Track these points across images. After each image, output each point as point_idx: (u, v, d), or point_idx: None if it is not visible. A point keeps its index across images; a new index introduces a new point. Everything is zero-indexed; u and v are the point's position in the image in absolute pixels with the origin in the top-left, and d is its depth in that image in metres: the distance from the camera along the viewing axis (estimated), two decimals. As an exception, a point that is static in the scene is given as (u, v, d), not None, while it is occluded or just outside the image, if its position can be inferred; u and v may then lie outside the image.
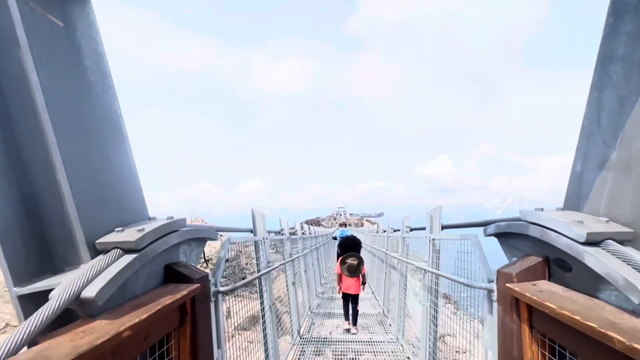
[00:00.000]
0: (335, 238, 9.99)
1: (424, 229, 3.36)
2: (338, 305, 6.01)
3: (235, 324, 2.36)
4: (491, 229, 1.88)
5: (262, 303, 2.92)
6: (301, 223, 6.62)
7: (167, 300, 1.26)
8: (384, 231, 7.76)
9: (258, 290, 2.94)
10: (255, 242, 2.96)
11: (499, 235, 1.87)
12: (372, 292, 7.62)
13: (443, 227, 3.03)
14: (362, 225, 55.75)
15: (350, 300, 4.82)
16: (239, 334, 2.52)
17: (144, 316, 1.10)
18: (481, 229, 2.16)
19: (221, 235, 2.36)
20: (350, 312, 4.83)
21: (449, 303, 4.20)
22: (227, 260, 2.10)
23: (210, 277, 1.73)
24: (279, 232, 4.47)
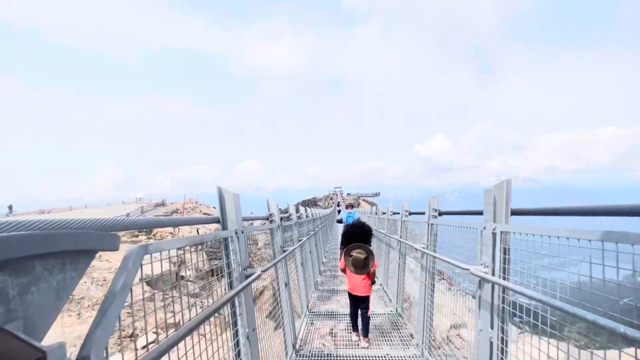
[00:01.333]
0: (340, 221, 8.96)
1: (422, 213, 3.68)
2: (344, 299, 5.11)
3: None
4: None
5: (235, 335, 1.87)
6: (296, 205, 5.57)
7: None
8: (384, 213, 6.88)
9: (230, 315, 1.88)
10: (225, 239, 1.88)
11: None
12: (380, 285, 6.67)
13: (441, 214, 3.29)
14: (358, 205, 55.24)
15: (359, 303, 3.82)
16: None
17: None
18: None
19: (172, 232, 1.31)
20: (360, 319, 3.85)
21: (442, 279, 4.25)
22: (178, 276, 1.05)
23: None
24: (267, 219, 3.40)
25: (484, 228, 2.05)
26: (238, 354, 1.86)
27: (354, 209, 9.27)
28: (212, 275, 1.81)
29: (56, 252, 0.75)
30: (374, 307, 4.87)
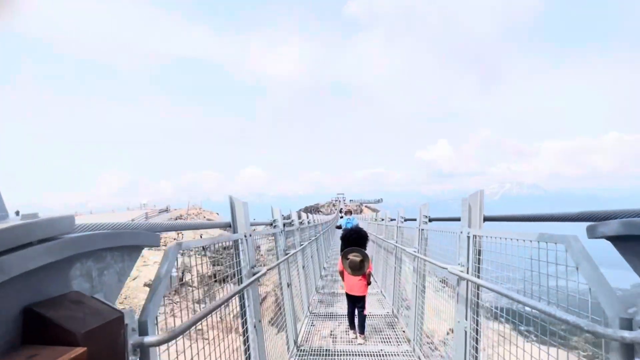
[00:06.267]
0: (339, 227, 9.32)
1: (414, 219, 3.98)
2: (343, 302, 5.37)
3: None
4: (606, 228, 1.12)
5: (244, 323, 2.18)
6: (298, 212, 5.86)
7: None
8: (382, 220, 7.18)
9: (240, 307, 2.19)
10: (234, 241, 2.20)
11: (619, 239, 1.10)
12: (379, 290, 6.95)
13: (430, 220, 3.54)
14: (361, 212, 55.39)
15: (356, 303, 4.12)
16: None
17: None
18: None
19: (176, 238, 1.62)
20: (357, 317, 4.13)
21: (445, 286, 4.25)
22: (181, 281, 1.36)
23: (127, 319, 0.96)
24: (271, 224, 3.71)
25: (461, 232, 2.35)
26: (246, 341, 2.16)
27: (352, 215, 9.61)
28: (215, 281, 2.11)
29: (119, 246, 1.08)
30: (372, 309, 5.14)
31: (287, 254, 3.68)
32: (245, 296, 2.20)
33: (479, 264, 2.16)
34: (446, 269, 2.32)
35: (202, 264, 1.84)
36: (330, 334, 4.38)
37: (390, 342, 3.99)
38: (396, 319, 4.90)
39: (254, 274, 2.25)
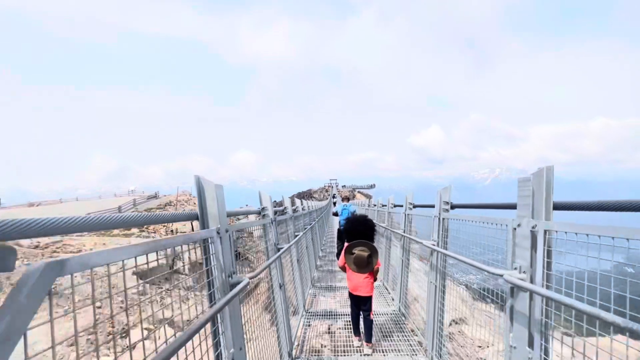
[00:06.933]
0: (336, 214, 8.54)
1: (431, 206, 3.55)
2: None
3: None
4: None
5: (217, 358, 1.51)
6: (291, 197, 5.18)
7: None
8: (383, 205, 6.55)
9: (213, 335, 1.52)
10: (203, 240, 1.51)
11: None
12: (381, 280, 6.31)
13: (453, 207, 3.09)
14: (354, 198, 55.00)
15: (361, 305, 3.49)
16: None
17: None
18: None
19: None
20: (362, 322, 3.51)
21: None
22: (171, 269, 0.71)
23: None
24: (260, 213, 3.03)
25: (519, 225, 1.71)
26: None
27: (349, 201, 8.97)
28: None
29: None
30: (376, 306, 4.59)
31: (279, 249, 3.02)
32: (219, 319, 1.53)
33: (548, 269, 1.54)
34: (501, 275, 1.69)
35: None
36: (330, 339, 3.80)
37: (402, 350, 3.41)
38: (404, 318, 4.35)
39: (232, 286, 1.59)
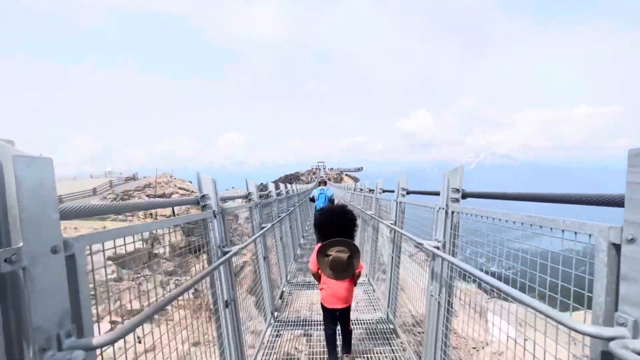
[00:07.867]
0: (312, 199, 7.42)
1: (435, 193, 2.95)
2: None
3: None
4: None
5: (214, 303, 2.10)
6: (275, 182, 5.72)
7: None
8: (370, 190, 6.78)
9: (210, 287, 2.09)
10: (203, 219, 2.04)
11: None
12: (365, 275, 5.55)
13: (408, 192, 3.50)
14: (341, 180, 55.98)
15: (339, 318, 2.81)
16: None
17: None
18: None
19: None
20: (339, 335, 2.92)
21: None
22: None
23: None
24: (246, 198, 3.57)
25: (440, 208, 2.31)
26: (217, 320, 2.10)
27: (327, 185, 7.95)
28: (190, 252, 1.99)
29: None
30: (358, 311, 4.15)
31: (262, 228, 3.59)
32: (215, 276, 2.10)
33: (455, 239, 2.15)
34: (422, 244, 2.29)
35: (174, 231, 1.69)
36: (307, 302, 4.45)
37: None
38: (391, 325, 3.71)
39: (225, 254, 2.15)
